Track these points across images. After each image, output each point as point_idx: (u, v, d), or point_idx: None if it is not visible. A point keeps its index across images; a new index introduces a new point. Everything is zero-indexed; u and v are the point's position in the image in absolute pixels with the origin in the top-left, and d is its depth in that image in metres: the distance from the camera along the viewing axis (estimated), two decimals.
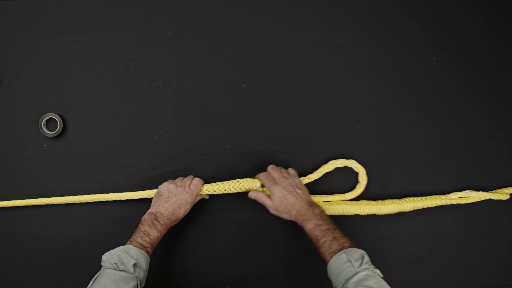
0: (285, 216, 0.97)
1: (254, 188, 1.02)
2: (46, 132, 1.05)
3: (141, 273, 0.86)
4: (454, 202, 1.06)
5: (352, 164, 1.06)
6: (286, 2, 1.10)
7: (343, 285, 0.79)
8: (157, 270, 1.06)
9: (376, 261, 1.08)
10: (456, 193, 1.07)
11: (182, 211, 0.97)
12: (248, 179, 1.02)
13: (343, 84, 1.10)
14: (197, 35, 1.09)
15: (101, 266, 0.86)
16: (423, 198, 1.06)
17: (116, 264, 0.83)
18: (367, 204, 1.05)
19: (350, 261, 0.81)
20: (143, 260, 0.87)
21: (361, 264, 0.81)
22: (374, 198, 1.07)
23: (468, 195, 1.06)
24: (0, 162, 1.06)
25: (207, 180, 1.06)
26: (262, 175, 1.01)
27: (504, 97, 1.11)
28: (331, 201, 1.06)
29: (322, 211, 0.94)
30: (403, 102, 1.10)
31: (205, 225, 1.08)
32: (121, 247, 0.87)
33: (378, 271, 0.81)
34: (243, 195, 1.06)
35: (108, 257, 0.85)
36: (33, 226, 1.06)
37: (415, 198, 1.06)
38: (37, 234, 1.06)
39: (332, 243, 0.87)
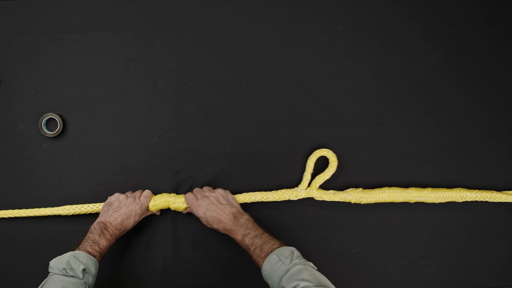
0: (219, 229, 0.97)
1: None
2: (46, 132, 1.05)
3: (90, 279, 0.85)
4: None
5: (325, 152, 1.06)
6: (286, 2, 1.10)
7: (278, 285, 0.80)
8: (157, 270, 1.06)
9: (376, 261, 1.09)
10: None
11: (131, 222, 0.96)
12: (175, 196, 1.02)
13: (343, 84, 1.09)
14: (197, 35, 1.09)
15: (49, 273, 0.84)
16: (475, 190, 1.06)
17: (65, 269, 0.82)
18: (416, 190, 1.05)
19: (281, 260, 0.82)
20: (92, 266, 0.85)
21: (291, 260, 0.82)
22: None
23: None
24: (0, 162, 1.06)
25: (208, 180, 1.07)
26: (187, 196, 1.01)
27: (504, 97, 1.11)
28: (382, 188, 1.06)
29: (248, 219, 0.95)
30: (403, 102, 1.10)
31: (205, 226, 1.07)
32: (70, 252, 0.86)
33: (310, 263, 0.82)
34: None
35: (56, 263, 0.84)
36: (34, 226, 1.06)
37: (466, 189, 1.06)
38: (37, 234, 1.06)
39: (262, 248, 0.88)
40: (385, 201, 1.05)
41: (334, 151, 1.07)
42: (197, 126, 1.08)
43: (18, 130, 1.07)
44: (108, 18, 1.08)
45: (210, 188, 1.03)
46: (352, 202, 1.05)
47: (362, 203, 1.05)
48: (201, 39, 1.09)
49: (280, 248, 0.85)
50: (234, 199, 1.01)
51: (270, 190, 1.06)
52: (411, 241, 1.09)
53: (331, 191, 1.05)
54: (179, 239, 1.07)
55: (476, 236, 1.10)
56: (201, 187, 1.04)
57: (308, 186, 1.05)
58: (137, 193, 1.01)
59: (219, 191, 1.00)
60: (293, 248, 0.86)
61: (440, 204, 1.08)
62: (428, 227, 1.09)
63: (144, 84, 1.08)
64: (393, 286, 1.09)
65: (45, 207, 1.05)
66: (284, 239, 1.08)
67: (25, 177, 1.06)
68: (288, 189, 1.05)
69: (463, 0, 1.11)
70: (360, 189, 1.06)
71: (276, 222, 1.08)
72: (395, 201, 1.05)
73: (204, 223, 0.98)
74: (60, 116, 1.06)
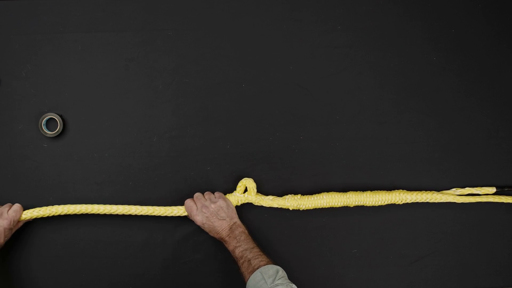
0: (215, 237, 1.00)
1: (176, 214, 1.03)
2: (46, 132, 1.05)
3: None
4: (445, 200, 1.06)
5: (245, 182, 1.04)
6: (286, 2, 1.10)
7: None
8: (157, 270, 1.06)
9: (376, 261, 1.09)
10: (444, 191, 1.08)
11: (1, 238, 0.95)
12: (173, 207, 1.03)
13: (343, 84, 1.10)
14: (197, 35, 1.09)
15: None
16: (415, 192, 1.05)
17: None
18: (355, 194, 1.04)
19: (264, 278, 0.84)
20: None
21: (274, 280, 0.83)
22: None
23: (455, 193, 1.07)
24: (0, 162, 1.06)
25: (208, 180, 1.07)
26: (187, 203, 1.01)
27: (504, 97, 1.11)
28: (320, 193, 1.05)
29: (242, 231, 0.97)
30: (403, 102, 1.10)
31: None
32: None
33: (294, 286, 0.83)
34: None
35: None
36: (33, 227, 1.06)
37: (405, 191, 1.05)
38: (37, 234, 1.06)
39: (250, 263, 0.90)
40: (324, 207, 1.04)
41: (333, 151, 1.07)
42: (197, 126, 1.08)
43: (18, 130, 1.07)
44: (108, 18, 1.08)
45: (212, 197, 1.01)
46: (291, 208, 1.04)
47: (300, 209, 1.04)
48: (201, 39, 1.09)
49: (266, 266, 0.87)
50: (234, 210, 1.02)
51: (270, 190, 1.07)
52: (411, 241, 1.09)
53: (270, 197, 1.04)
54: (179, 239, 1.07)
55: (476, 236, 1.10)
56: (203, 192, 1.03)
57: (246, 191, 1.04)
58: (5, 208, 0.99)
59: (220, 202, 1.00)
60: (278, 268, 0.87)
61: (440, 204, 1.08)
62: (428, 227, 1.09)
63: (144, 84, 1.08)
64: (393, 286, 1.09)
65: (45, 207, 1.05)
66: (284, 239, 1.08)
67: (25, 177, 1.06)
68: (228, 194, 1.04)
69: (463, 0, 1.11)
70: (299, 195, 1.04)
71: (275, 222, 1.08)
72: (335, 206, 1.04)
73: (204, 229, 1.00)
74: (60, 116, 1.06)
